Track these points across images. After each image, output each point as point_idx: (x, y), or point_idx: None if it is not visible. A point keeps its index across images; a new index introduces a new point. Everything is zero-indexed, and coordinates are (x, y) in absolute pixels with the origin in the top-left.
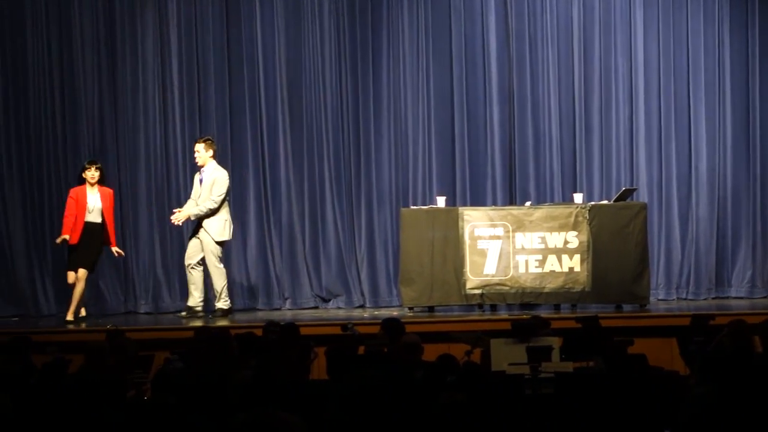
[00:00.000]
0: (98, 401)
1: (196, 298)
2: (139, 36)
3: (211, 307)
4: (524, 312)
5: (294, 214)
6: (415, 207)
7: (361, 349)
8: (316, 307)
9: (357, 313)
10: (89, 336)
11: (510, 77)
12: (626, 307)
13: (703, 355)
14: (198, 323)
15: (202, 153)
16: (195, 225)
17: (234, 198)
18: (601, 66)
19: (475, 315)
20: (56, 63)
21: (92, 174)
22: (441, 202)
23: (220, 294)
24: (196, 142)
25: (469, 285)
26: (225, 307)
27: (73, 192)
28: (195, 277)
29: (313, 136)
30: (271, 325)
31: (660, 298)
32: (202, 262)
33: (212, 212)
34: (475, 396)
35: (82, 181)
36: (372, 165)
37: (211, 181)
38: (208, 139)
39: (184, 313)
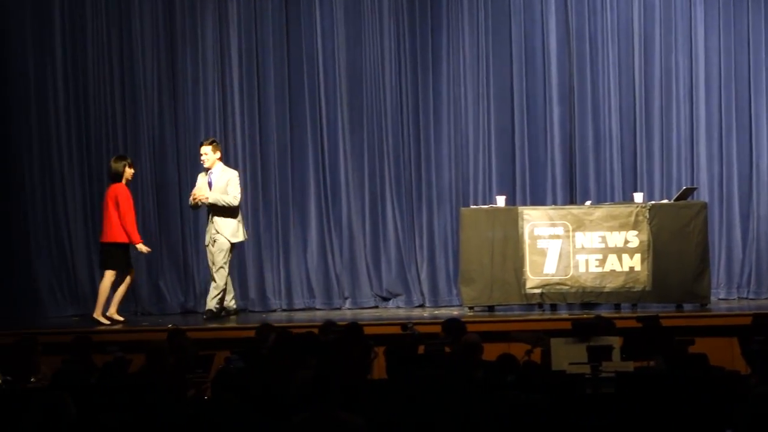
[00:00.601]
0: (158, 400)
1: (228, 300)
2: (198, 33)
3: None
4: (584, 311)
5: (354, 213)
6: (474, 206)
7: (421, 349)
8: (375, 307)
9: (417, 312)
10: (150, 335)
11: (570, 76)
12: (687, 307)
13: (765, 355)
14: (196, 325)
15: (210, 155)
16: (209, 229)
17: (293, 197)
18: (662, 64)
19: (535, 314)
20: (116, 60)
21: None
22: (501, 201)
23: (218, 294)
24: (201, 144)
25: (529, 284)
26: (215, 309)
27: (125, 190)
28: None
29: (373, 135)
30: (329, 325)
31: (721, 297)
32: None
33: (228, 209)
34: (535, 395)
35: (118, 179)
36: (432, 164)
37: (224, 182)
38: (214, 141)
39: (206, 316)
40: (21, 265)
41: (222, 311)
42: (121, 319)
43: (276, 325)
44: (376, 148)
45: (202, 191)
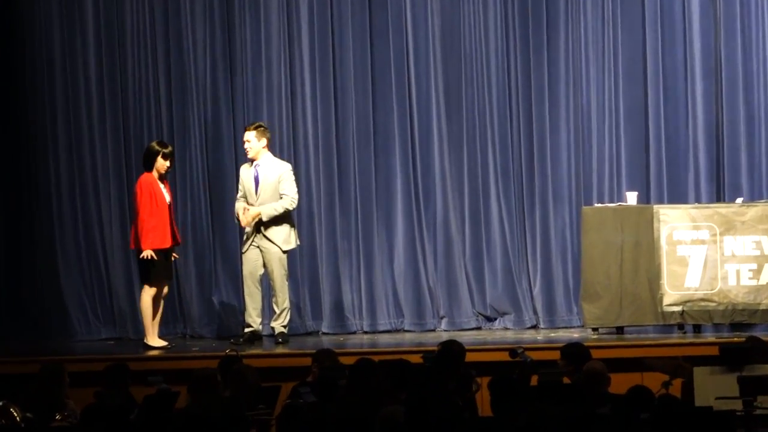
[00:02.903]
0: None
1: (257, 321)
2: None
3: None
4: (735, 333)
5: (451, 213)
6: (600, 205)
7: (534, 380)
8: (478, 328)
9: (529, 335)
10: (201, 363)
11: (717, 44)
12: None
13: None
14: (258, 350)
15: (254, 143)
16: (251, 234)
17: (377, 195)
18: None
19: (675, 338)
20: (160, 29)
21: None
22: (632, 198)
23: (285, 314)
24: (245, 129)
25: (666, 301)
26: (286, 330)
27: (147, 181)
28: (257, 296)
29: (474, 118)
30: (324, 355)
31: None
32: (262, 279)
33: (282, 215)
34: None
35: (148, 167)
36: (547, 153)
37: (276, 178)
38: (260, 126)
39: (241, 340)
40: (45, 278)
41: (251, 336)
42: (164, 343)
43: (356, 350)
44: (478, 134)
45: (249, 212)
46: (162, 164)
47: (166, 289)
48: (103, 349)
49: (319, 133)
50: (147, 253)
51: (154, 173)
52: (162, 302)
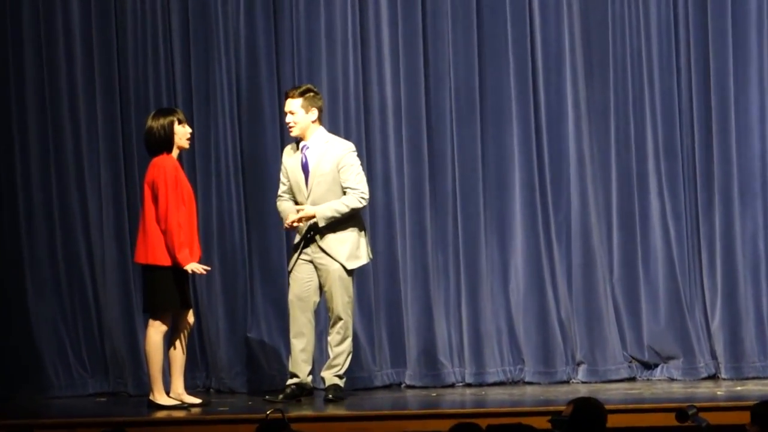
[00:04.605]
0: None
1: (305, 370)
2: None
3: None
4: None
5: (592, 215)
6: None
7: None
8: (631, 379)
9: (705, 388)
10: (231, 429)
11: None
12: None
13: None
14: (308, 411)
15: (300, 116)
16: (300, 243)
17: (486, 189)
18: None
19: None
20: None
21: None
22: None
23: (345, 360)
24: (286, 95)
25: None
26: (342, 383)
27: (171, 165)
28: (309, 333)
29: (625, 78)
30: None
31: None
32: (317, 308)
33: (345, 218)
34: None
35: (163, 148)
36: (730, 128)
37: (333, 164)
38: (308, 91)
39: (281, 396)
40: (8, 309)
41: (295, 391)
42: (197, 400)
43: (454, 411)
44: (631, 101)
45: (306, 211)
46: (184, 133)
47: (191, 319)
48: (92, 410)
49: (401, 100)
50: (193, 267)
51: (175, 153)
52: (186, 340)
